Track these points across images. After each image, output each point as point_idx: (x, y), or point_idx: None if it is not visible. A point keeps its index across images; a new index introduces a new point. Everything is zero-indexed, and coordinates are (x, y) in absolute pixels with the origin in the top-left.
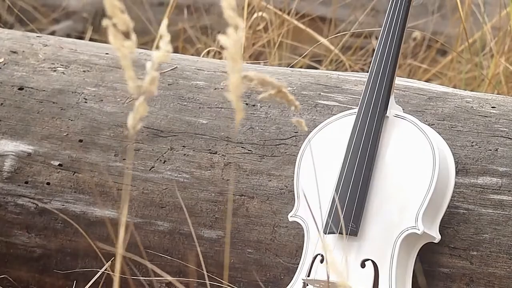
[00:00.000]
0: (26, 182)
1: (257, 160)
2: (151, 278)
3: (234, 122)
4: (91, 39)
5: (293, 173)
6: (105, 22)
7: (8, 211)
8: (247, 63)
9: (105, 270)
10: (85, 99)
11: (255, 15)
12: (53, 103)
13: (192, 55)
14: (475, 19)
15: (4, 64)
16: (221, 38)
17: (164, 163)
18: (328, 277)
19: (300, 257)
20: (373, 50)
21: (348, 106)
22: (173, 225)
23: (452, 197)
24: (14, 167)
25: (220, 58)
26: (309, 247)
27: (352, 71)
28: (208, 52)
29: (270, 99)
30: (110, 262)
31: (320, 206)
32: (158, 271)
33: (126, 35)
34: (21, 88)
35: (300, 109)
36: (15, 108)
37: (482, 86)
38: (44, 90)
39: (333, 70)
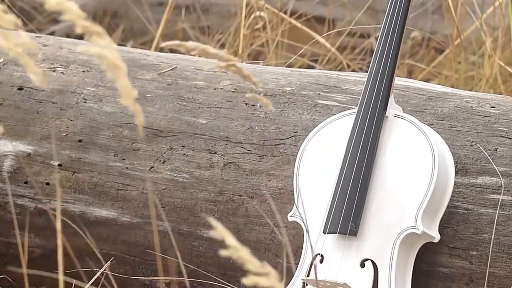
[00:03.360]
0: (26, 182)
1: (257, 160)
2: (151, 278)
3: (234, 122)
4: None
5: (293, 173)
6: None
7: (8, 211)
8: (246, 63)
9: (105, 270)
10: (85, 99)
11: (253, 15)
12: (53, 103)
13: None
14: (473, 18)
15: (4, 64)
16: (89, 50)
17: (163, 163)
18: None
19: (300, 257)
20: (372, 49)
21: (347, 106)
22: (172, 225)
23: (451, 196)
24: (13, 167)
25: None
26: (308, 247)
27: (351, 71)
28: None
29: (227, 71)
30: (109, 262)
31: (319, 206)
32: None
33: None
34: (20, 88)
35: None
36: (15, 108)
37: (479, 86)
38: (43, 90)
39: (332, 70)
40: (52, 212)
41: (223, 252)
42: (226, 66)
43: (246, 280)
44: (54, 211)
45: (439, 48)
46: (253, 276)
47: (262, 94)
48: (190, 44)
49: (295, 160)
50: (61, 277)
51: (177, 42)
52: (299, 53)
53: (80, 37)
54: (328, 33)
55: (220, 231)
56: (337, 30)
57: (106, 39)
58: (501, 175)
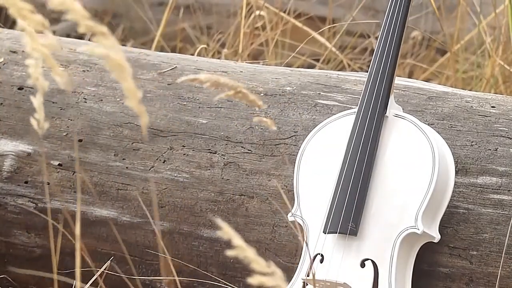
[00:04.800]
0: (26, 182)
1: (257, 160)
2: (151, 278)
3: (234, 121)
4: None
5: (293, 173)
6: (18, 26)
7: (8, 211)
8: (246, 62)
9: (105, 270)
10: (85, 99)
11: (253, 15)
12: (53, 103)
13: (192, 54)
14: (473, 18)
15: (4, 64)
16: (93, 49)
17: (163, 162)
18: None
19: (300, 257)
20: (372, 49)
21: (347, 105)
22: (172, 225)
23: (451, 196)
24: (13, 167)
25: (219, 58)
26: (308, 246)
27: (351, 70)
28: (206, 51)
29: (233, 99)
30: (109, 262)
31: (319, 206)
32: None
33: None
34: (20, 88)
35: (300, 108)
36: (15, 108)
37: (479, 85)
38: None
39: (332, 69)
40: (67, 212)
41: (230, 252)
42: (234, 94)
43: (251, 280)
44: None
45: (440, 48)
46: (259, 275)
47: (262, 94)
48: (203, 77)
49: (295, 160)
50: (55, 276)
51: (191, 76)
52: (296, 50)
53: (80, 37)
54: (327, 27)
55: (226, 231)
56: (336, 25)
57: (110, 39)
58: (501, 175)
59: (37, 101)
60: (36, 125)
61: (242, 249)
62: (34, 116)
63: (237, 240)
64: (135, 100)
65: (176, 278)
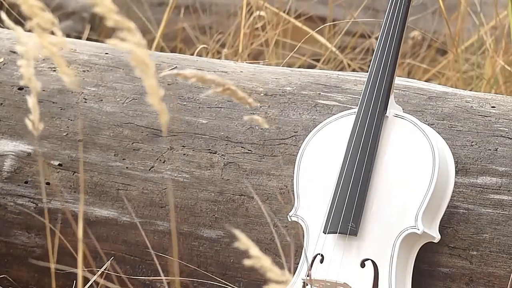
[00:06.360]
0: (26, 182)
1: (257, 160)
2: (151, 278)
3: (234, 122)
4: (90, 39)
5: (293, 173)
6: (29, 24)
7: (8, 211)
8: (246, 62)
9: (105, 270)
10: (85, 99)
11: (253, 15)
12: (53, 103)
13: (192, 54)
14: (473, 19)
15: (4, 64)
16: (119, 44)
17: (163, 163)
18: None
19: (300, 257)
20: (373, 49)
21: (348, 105)
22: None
23: (452, 196)
24: (13, 167)
25: (219, 58)
26: (309, 247)
27: (352, 70)
28: (206, 51)
29: (223, 95)
30: (109, 262)
31: (320, 206)
32: (159, 271)
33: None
34: (21, 88)
35: (252, 107)
36: (15, 108)
37: (480, 85)
38: (43, 90)
39: (333, 69)
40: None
41: (247, 261)
42: (222, 90)
43: None
44: (56, 212)
45: (440, 48)
46: (274, 284)
47: (262, 94)
48: (188, 72)
49: (295, 160)
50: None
51: (175, 71)
52: (294, 50)
53: (79, 37)
54: (326, 24)
55: (244, 242)
56: (336, 23)
57: (137, 36)
58: (501, 175)
59: (31, 101)
60: (31, 126)
61: (259, 259)
62: (29, 117)
63: (254, 250)
64: (157, 97)
65: (176, 278)
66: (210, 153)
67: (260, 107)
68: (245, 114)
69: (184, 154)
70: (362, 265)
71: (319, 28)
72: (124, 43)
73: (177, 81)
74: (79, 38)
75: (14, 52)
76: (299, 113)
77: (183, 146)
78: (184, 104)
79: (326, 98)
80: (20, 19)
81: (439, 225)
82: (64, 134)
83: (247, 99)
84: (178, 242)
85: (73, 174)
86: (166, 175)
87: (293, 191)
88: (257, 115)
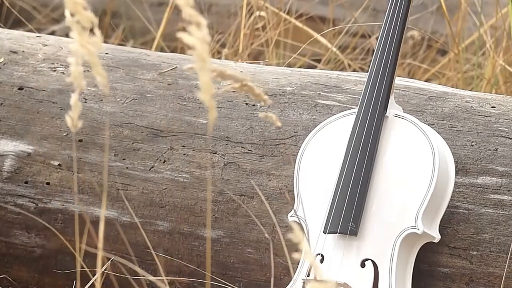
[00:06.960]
0: (26, 182)
1: (257, 160)
2: (151, 278)
3: (234, 122)
4: None
5: (293, 173)
6: (67, 20)
7: (8, 211)
8: (246, 62)
9: (105, 270)
10: (85, 99)
11: (253, 15)
12: (53, 103)
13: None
14: (474, 19)
15: (4, 64)
16: (185, 38)
17: (164, 163)
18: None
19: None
20: (373, 49)
21: (348, 105)
22: (172, 225)
23: (452, 196)
24: (14, 167)
25: (219, 58)
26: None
27: (352, 70)
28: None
29: (238, 91)
30: (109, 261)
31: (320, 206)
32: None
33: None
34: (21, 88)
35: (266, 105)
36: (15, 108)
37: (480, 86)
38: (44, 90)
39: (333, 70)
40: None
41: (296, 255)
42: (240, 86)
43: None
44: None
45: (440, 49)
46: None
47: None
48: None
49: (295, 160)
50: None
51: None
52: (298, 52)
53: None
54: (329, 30)
55: (297, 234)
56: (338, 28)
57: (203, 32)
58: (501, 175)
59: (73, 99)
60: (70, 123)
61: (309, 255)
62: (69, 114)
63: (304, 244)
64: (209, 94)
65: (176, 278)
66: (210, 153)
67: (260, 107)
68: (245, 114)
69: (184, 154)
70: (362, 265)
71: (324, 31)
72: (190, 37)
73: (177, 81)
74: None
75: (14, 52)
76: (299, 113)
77: (183, 146)
78: (184, 104)
79: (326, 98)
80: (20, 19)
81: (439, 225)
82: (64, 134)
83: (263, 96)
84: (178, 242)
85: (73, 174)
86: (166, 175)
87: (293, 191)
88: (257, 111)
